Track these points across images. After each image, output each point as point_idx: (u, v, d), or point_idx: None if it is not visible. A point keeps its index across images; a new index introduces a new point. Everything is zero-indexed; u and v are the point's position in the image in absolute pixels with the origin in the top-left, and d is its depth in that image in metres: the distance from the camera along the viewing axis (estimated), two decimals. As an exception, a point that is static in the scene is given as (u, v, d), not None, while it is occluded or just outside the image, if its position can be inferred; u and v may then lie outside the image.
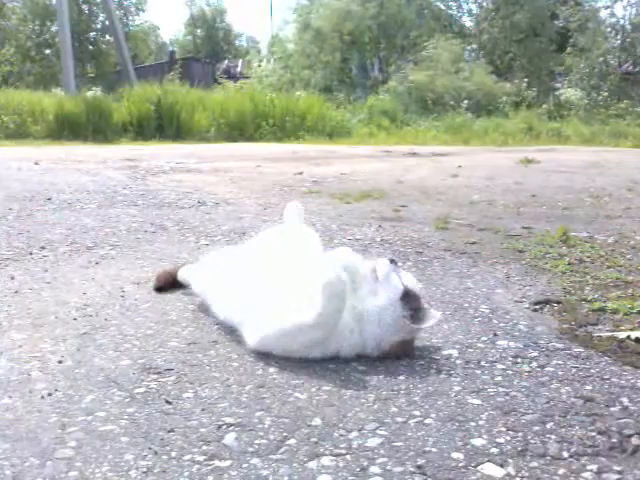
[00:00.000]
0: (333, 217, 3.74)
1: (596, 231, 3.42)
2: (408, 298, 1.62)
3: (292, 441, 1.23)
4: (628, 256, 2.84)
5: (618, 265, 2.66)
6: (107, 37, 29.48)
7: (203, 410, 1.35)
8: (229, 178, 5.67)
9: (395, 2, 22.23)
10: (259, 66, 24.05)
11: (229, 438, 1.24)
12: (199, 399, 1.40)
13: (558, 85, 21.24)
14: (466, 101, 16.32)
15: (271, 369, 1.57)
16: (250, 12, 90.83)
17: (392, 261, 1.69)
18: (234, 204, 4.18)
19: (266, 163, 7.30)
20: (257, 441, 1.22)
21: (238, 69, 30.37)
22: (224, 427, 1.28)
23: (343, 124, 14.65)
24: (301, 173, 6.05)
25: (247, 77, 23.53)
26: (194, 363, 1.60)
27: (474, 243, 3.09)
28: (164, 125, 12.74)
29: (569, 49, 20.48)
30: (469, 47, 23.65)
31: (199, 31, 42.16)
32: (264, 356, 1.64)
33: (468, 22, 25.24)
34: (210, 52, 38.00)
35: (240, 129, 13.44)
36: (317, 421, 1.31)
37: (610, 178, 6.01)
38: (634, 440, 1.23)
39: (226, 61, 33.44)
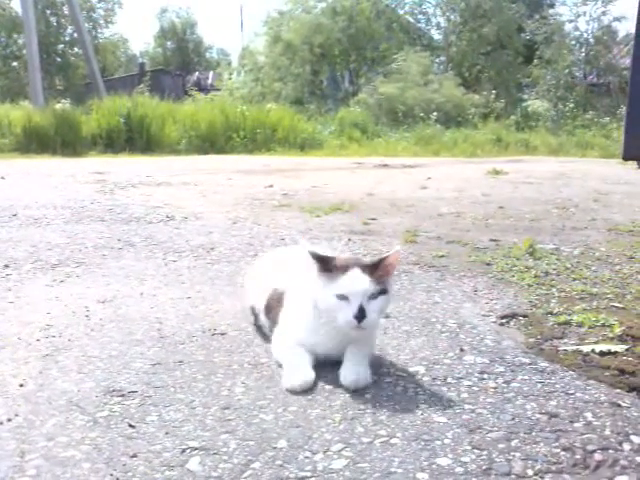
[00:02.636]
0: (303, 231, 3.73)
1: (562, 243, 3.47)
2: None
3: (257, 464, 1.21)
4: (593, 268, 2.88)
5: (583, 277, 2.69)
6: (76, 49, 29.15)
7: (167, 434, 1.33)
8: (199, 192, 5.64)
9: (364, 15, 22.40)
10: (230, 78, 24.03)
11: (193, 463, 1.22)
12: (163, 422, 1.38)
13: (525, 96, 21.56)
14: (435, 113, 16.46)
15: (237, 389, 1.55)
16: (221, 24, 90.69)
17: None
18: (203, 218, 4.16)
19: (237, 176, 7.28)
20: (221, 465, 1.21)
21: (209, 81, 30.27)
22: (188, 451, 1.26)
23: (314, 136, 14.68)
24: (272, 186, 6.05)
25: (218, 89, 23.50)
26: (159, 385, 1.58)
27: (442, 256, 3.11)
28: (134, 138, 12.62)
29: (535, 61, 20.82)
30: (438, 60, 23.92)
31: (169, 43, 41.94)
32: (230, 376, 1.63)
33: (436, 35, 25.53)
34: (180, 64, 37.83)
35: (211, 141, 13.38)
36: (282, 443, 1.29)
37: (576, 189, 6.10)
38: (597, 456, 1.23)
39: (197, 73, 33.28)
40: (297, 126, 14.60)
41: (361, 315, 1.51)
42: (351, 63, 23.56)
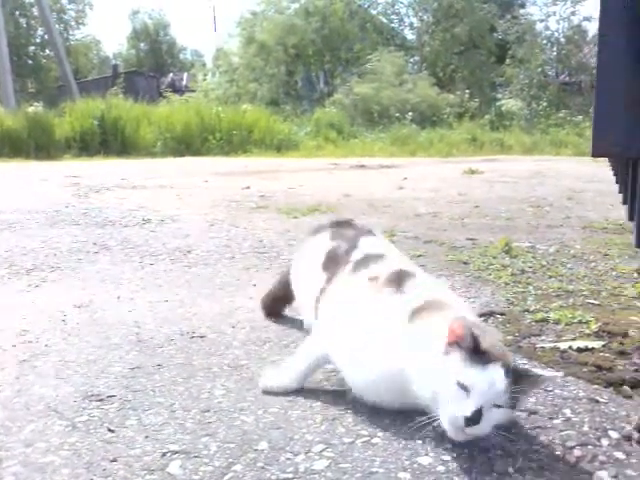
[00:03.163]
0: (280, 232, 3.73)
1: (538, 241, 3.50)
2: None
3: (238, 467, 1.21)
4: (569, 265, 2.91)
5: (559, 275, 2.73)
6: (47, 51, 28.81)
7: (147, 437, 1.32)
8: (175, 194, 5.61)
9: (338, 16, 22.44)
10: (204, 79, 23.91)
11: (173, 466, 1.21)
12: (143, 426, 1.37)
13: (499, 96, 21.74)
14: (411, 113, 16.54)
15: (217, 392, 1.54)
16: (194, 26, 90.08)
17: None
18: (180, 221, 4.13)
19: (213, 178, 7.24)
20: (202, 468, 1.20)
21: (183, 82, 30.06)
22: (168, 455, 1.25)
23: (290, 137, 14.66)
24: (249, 188, 6.03)
25: (193, 90, 23.34)
26: (138, 388, 1.56)
27: (420, 256, 3.12)
28: (108, 140, 12.50)
29: (508, 60, 21.02)
30: (412, 60, 24.04)
31: (142, 45, 41.61)
32: (210, 379, 1.62)
33: (410, 35, 25.66)
34: (154, 66, 37.51)
35: (187, 143, 13.29)
36: (264, 445, 1.29)
37: (551, 187, 6.17)
38: (576, 452, 1.25)
39: (171, 75, 33.03)
40: (273, 127, 14.57)
41: (475, 418, 1.17)
42: (326, 64, 23.58)
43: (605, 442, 1.29)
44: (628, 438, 1.30)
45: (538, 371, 1.32)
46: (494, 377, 1.18)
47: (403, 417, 1.39)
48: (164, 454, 1.25)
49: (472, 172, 7.65)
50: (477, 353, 1.20)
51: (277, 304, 2.16)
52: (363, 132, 16.17)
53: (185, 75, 31.50)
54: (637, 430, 1.32)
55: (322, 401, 1.49)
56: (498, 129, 16.63)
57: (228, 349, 1.85)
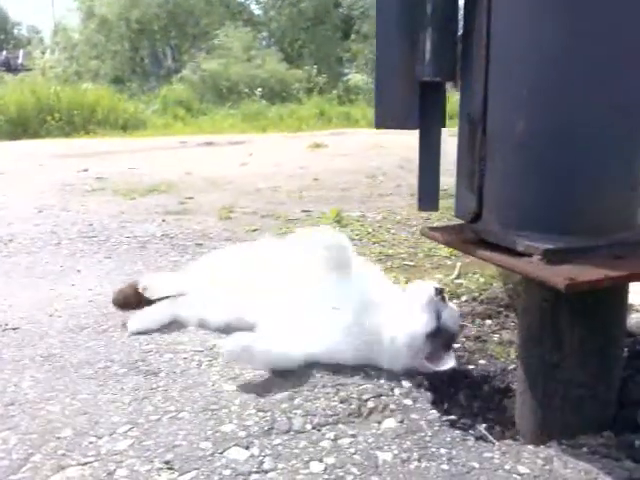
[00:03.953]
0: (114, 215, 3.61)
1: (368, 209, 3.66)
2: (436, 336, 1.47)
3: (37, 457, 1.18)
4: (392, 231, 3.07)
5: (383, 240, 2.87)
6: None
7: (-61, 439, 1.25)
8: (3, 181, 5.24)
9: (182, -10, 21.87)
10: (42, 57, 22.44)
11: (-34, 466, 1.16)
12: (-64, 428, 1.30)
13: (346, 71, 22.25)
14: (260, 89, 16.52)
15: (25, 384, 1.49)
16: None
17: (438, 291, 1.51)
18: (5, 209, 3.87)
19: (50, 161, 6.85)
20: (-3, 463, 1.16)
21: (19, 61, 28.00)
22: (-38, 454, 1.20)
23: (137, 116, 14.13)
24: (86, 170, 5.76)
25: (29, 69, 21.82)
26: None
27: (255, 230, 3.17)
28: None
29: (353, 36, 21.53)
30: (260, 35, 23.95)
31: (-31, 19, 38.28)
32: (19, 371, 1.56)
33: (257, 10, 25.50)
34: (-17, 43, 34.64)
35: (23, 126, 12.41)
36: (67, 432, 1.27)
37: (387, 158, 6.42)
38: (370, 403, 1.34)
39: (4, 52, 30.65)
40: (118, 106, 13.95)
41: None
42: (172, 39, 22.91)
43: (397, 392, 1.39)
44: (418, 386, 1.41)
45: None
46: None
47: (213, 390, 1.43)
48: (-43, 454, 1.20)
49: (317, 146, 7.79)
50: None
51: None
52: (213, 109, 15.94)
53: (21, 52, 29.35)
54: (425, 378, 1.44)
55: (134, 383, 1.48)
56: (345, 103, 17.04)
57: (42, 339, 1.78)
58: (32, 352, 1.69)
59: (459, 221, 1.36)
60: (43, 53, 23.10)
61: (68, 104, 13.10)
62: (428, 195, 1.42)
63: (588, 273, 1.06)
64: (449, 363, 1.45)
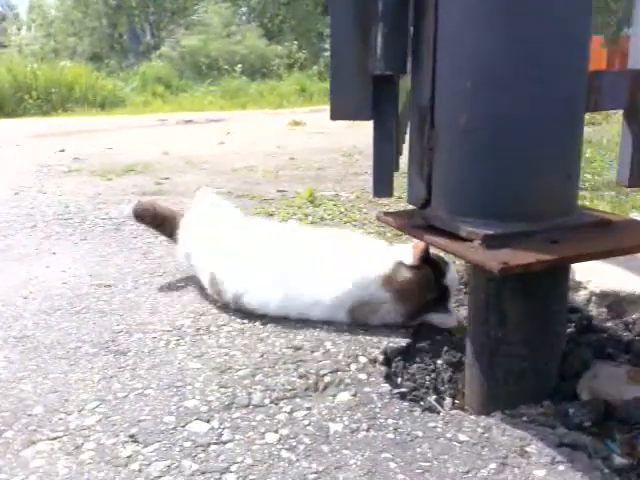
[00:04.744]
0: (91, 196, 3.65)
1: (342, 189, 3.73)
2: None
3: (9, 433, 1.25)
4: (364, 210, 3.15)
5: (354, 220, 2.95)
6: None
7: None
8: (-21, 162, 5.25)
9: (160, -36, 21.57)
10: (18, 34, 22.11)
11: (-59, 442, 1.23)
12: None
13: (327, 46, 22.10)
14: (240, 65, 16.44)
15: (-2, 364, 1.56)
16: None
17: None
18: (-19, 191, 3.90)
19: (26, 141, 6.83)
20: (-29, 440, 1.23)
21: (-6, 37, 27.56)
22: (-63, 432, 1.26)
23: (116, 93, 14.04)
24: (63, 151, 5.77)
25: (5, 46, 21.49)
26: None
27: (229, 211, 3.22)
28: None
29: (334, 11, 21.36)
30: (239, 11, 23.71)
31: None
32: (-8, 352, 1.62)
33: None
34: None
35: (-1, 104, 12.33)
36: (38, 409, 1.34)
37: (364, 136, 6.37)
38: (326, 378, 1.42)
39: (-22, 28, 30.10)
40: (96, 83, 13.84)
41: None
42: (151, 15, 22.64)
43: (353, 367, 1.47)
44: (374, 361, 1.50)
45: None
46: None
47: (179, 368, 1.50)
48: None
49: (296, 124, 7.82)
50: None
51: None
52: (192, 86, 15.85)
53: (-5, 29, 28.85)
54: (382, 353, 1.52)
55: (103, 362, 1.55)
56: (326, 79, 16.96)
57: (17, 321, 1.84)
58: (6, 334, 1.75)
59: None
60: (19, 30, 22.76)
61: (45, 82, 12.98)
62: (382, 182, 1.50)
63: (521, 257, 1.14)
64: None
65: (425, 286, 1.66)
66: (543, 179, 1.24)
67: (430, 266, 1.68)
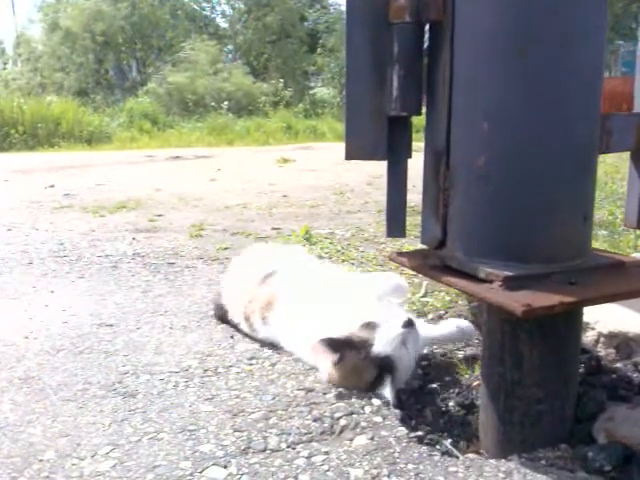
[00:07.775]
0: (84, 233, 3.63)
1: (337, 227, 3.74)
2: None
3: (21, 480, 1.22)
4: (361, 249, 3.16)
5: (352, 258, 2.95)
6: None
7: None
8: (-32, 198, 5.21)
9: (148, 2, 21.83)
10: (4, 68, 22.20)
11: (-49, 490, 1.20)
12: None
13: (312, 84, 22.46)
14: (226, 102, 16.56)
15: (4, 407, 1.52)
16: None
17: (407, 324, 1.57)
18: (-29, 228, 3.86)
19: (14, 176, 6.80)
20: (-18, 487, 1.20)
21: (-20, 71, 27.61)
22: (-55, 479, 1.23)
23: (102, 129, 14.07)
24: (53, 186, 5.75)
25: (-10, 81, 21.57)
26: None
27: (226, 248, 3.22)
28: None
29: (319, 50, 21.76)
30: (226, 48, 24.03)
31: None
32: (-3, 394, 1.59)
33: (223, 23, 25.58)
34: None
35: (-15, 139, 12.29)
36: (50, 454, 1.31)
37: (355, 174, 6.52)
38: (342, 421, 1.41)
39: (-36, 63, 30.14)
40: (82, 119, 13.87)
41: None
42: (137, 52, 22.86)
43: (368, 409, 1.46)
44: (387, 404, 1.48)
45: None
46: None
47: (190, 410, 1.48)
48: (-59, 478, 1.23)
49: (285, 161, 7.87)
50: None
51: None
52: (179, 122, 15.95)
53: (-19, 63, 28.92)
54: (395, 396, 1.51)
55: (112, 405, 1.52)
56: (312, 117, 17.19)
57: (20, 362, 1.81)
58: (9, 375, 1.72)
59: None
60: (5, 64, 22.86)
61: (32, 117, 12.98)
62: (396, 223, 1.50)
63: (543, 299, 1.14)
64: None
65: (356, 371, 1.56)
66: (560, 221, 1.26)
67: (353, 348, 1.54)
